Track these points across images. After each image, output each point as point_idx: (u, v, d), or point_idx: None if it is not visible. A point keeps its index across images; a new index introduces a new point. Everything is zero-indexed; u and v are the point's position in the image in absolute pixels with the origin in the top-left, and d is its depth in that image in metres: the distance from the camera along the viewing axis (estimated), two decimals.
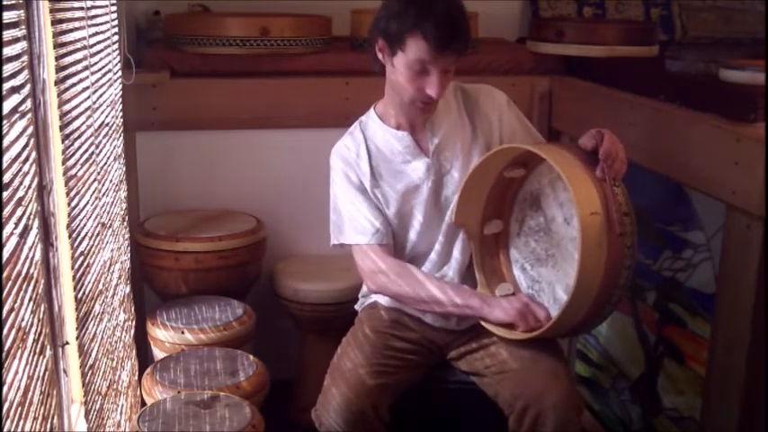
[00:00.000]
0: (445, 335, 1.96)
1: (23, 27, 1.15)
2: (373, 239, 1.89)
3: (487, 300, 1.86)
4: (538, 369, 1.78)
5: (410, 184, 1.91)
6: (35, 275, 1.18)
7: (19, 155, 1.11)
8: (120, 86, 2.16)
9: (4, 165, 1.02)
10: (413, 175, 1.91)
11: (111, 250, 1.90)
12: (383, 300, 2.02)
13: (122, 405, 1.96)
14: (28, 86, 1.18)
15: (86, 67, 1.62)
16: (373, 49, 1.84)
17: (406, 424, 1.90)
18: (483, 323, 1.86)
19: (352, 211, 1.92)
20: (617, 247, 1.65)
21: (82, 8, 1.60)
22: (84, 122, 1.59)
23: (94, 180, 1.69)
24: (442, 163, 1.92)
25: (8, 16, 1.07)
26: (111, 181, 1.93)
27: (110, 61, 1.95)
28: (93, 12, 1.74)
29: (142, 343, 2.37)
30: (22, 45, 1.15)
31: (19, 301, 1.08)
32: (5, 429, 0.99)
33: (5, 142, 1.04)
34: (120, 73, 2.16)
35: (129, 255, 2.24)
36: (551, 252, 1.87)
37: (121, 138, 2.15)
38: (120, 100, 2.15)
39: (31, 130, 1.18)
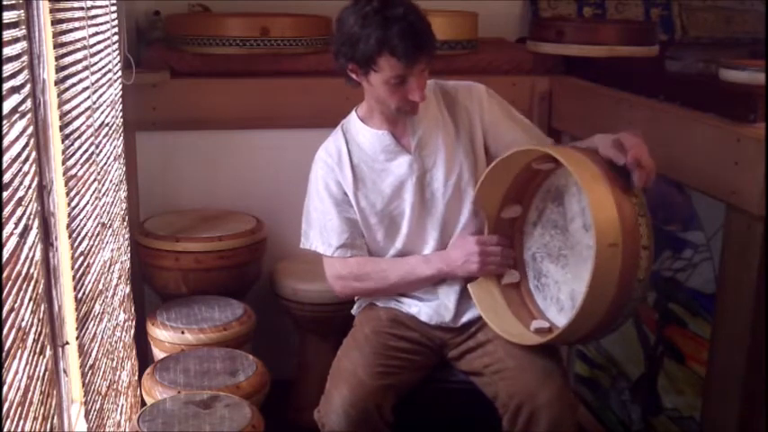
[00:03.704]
0: (442, 332, 1.96)
1: (23, 27, 1.15)
2: (336, 253, 1.95)
3: (448, 267, 1.91)
4: (532, 368, 1.79)
5: (395, 182, 1.93)
6: (35, 275, 1.18)
7: (19, 155, 1.11)
8: (120, 86, 2.16)
9: (4, 165, 1.03)
10: (397, 172, 1.93)
11: (111, 250, 1.90)
12: (379, 301, 2.03)
13: (122, 405, 1.96)
14: (28, 86, 1.18)
15: (86, 67, 1.62)
16: (344, 70, 1.85)
17: (406, 425, 1.89)
18: (489, 324, 1.85)
19: (323, 220, 1.96)
20: (627, 281, 1.61)
21: (82, 8, 1.60)
22: (84, 122, 1.59)
23: (94, 180, 1.69)
24: (424, 159, 1.93)
25: (8, 16, 1.07)
26: (111, 181, 1.93)
27: (110, 61, 1.95)
28: (93, 12, 1.74)
29: (142, 343, 2.37)
30: (22, 45, 1.15)
31: (19, 301, 1.08)
32: (5, 429, 0.99)
33: (5, 142, 1.04)
34: (120, 73, 2.16)
35: (129, 255, 2.24)
36: (564, 252, 1.85)
37: (121, 138, 2.16)
38: (120, 100, 2.15)
39: (31, 130, 1.18)
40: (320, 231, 1.97)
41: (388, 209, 1.94)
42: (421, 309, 1.96)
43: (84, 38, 1.60)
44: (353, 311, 2.12)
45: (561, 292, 1.85)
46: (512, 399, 1.77)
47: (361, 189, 1.94)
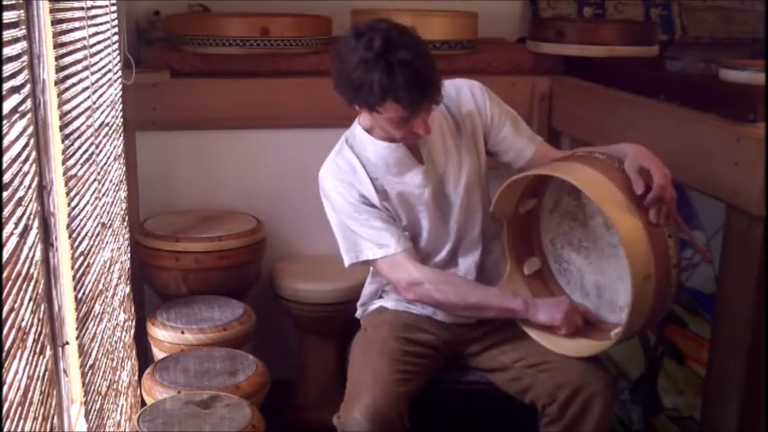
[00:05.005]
0: (456, 329, 1.95)
1: (23, 27, 1.15)
2: (399, 247, 1.85)
3: (531, 302, 1.85)
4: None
5: (412, 194, 1.90)
6: (35, 275, 1.18)
7: (19, 155, 1.11)
8: (120, 86, 2.16)
9: (4, 165, 1.03)
10: (411, 183, 1.89)
11: (111, 250, 1.90)
12: (389, 304, 2.00)
13: (122, 405, 1.96)
14: (28, 86, 1.18)
15: (86, 67, 1.62)
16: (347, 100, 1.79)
17: (421, 428, 1.87)
18: (527, 330, 1.86)
19: (362, 228, 1.86)
20: (662, 299, 1.70)
21: (82, 8, 1.60)
22: (84, 122, 1.59)
23: (94, 180, 1.69)
24: (436, 165, 1.91)
25: (8, 16, 1.07)
26: (111, 181, 1.93)
27: (110, 61, 1.95)
28: (93, 12, 1.74)
29: (142, 343, 2.37)
30: (22, 45, 1.15)
31: (19, 301, 1.08)
32: (5, 429, 0.99)
33: (5, 142, 1.04)
34: (120, 73, 2.16)
35: (129, 255, 2.24)
36: (585, 244, 1.87)
37: (121, 138, 2.16)
38: (120, 100, 2.15)
39: (31, 130, 1.18)
40: (368, 239, 1.86)
41: (409, 217, 1.91)
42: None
43: (84, 38, 1.60)
44: (358, 315, 2.10)
45: (585, 280, 1.89)
46: (560, 389, 1.79)
47: (386, 200, 1.88)
